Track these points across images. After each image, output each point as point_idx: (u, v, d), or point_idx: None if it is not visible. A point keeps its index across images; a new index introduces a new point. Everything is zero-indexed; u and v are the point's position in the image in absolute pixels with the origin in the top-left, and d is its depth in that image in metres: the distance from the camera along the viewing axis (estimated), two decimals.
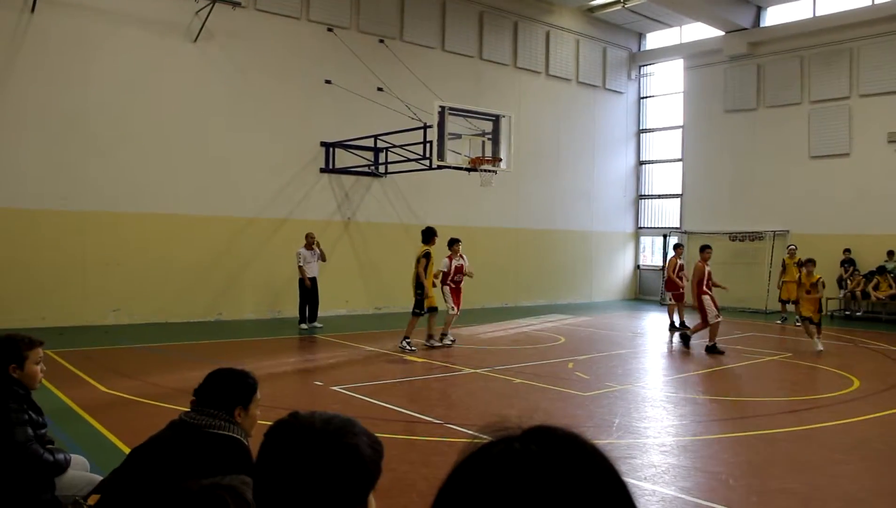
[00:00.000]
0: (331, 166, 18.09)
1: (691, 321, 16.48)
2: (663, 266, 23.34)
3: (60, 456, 4.22)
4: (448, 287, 13.35)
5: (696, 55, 24.17)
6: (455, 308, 13.40)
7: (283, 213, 17.49)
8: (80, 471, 4.45)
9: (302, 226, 16.83)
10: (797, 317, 15.99)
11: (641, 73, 26.14)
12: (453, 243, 13.44)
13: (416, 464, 6.22)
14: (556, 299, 22.97)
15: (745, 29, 22.26)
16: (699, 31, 23.89)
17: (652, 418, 8.42)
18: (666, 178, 25.69)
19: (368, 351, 12.81)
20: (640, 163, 26.24)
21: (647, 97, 26.26)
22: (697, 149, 24.35)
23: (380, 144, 17.56)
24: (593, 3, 23.33)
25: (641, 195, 26.25)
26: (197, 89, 16.29)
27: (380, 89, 17.94)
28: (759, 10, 22.44)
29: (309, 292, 15.59)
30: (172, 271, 15.87)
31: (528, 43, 22.46)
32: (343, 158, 18.15)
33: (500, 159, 14.95)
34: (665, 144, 25.73)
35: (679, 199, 25.06)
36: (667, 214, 25.56)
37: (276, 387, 9.18)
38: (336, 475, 1.41)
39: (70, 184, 14.78)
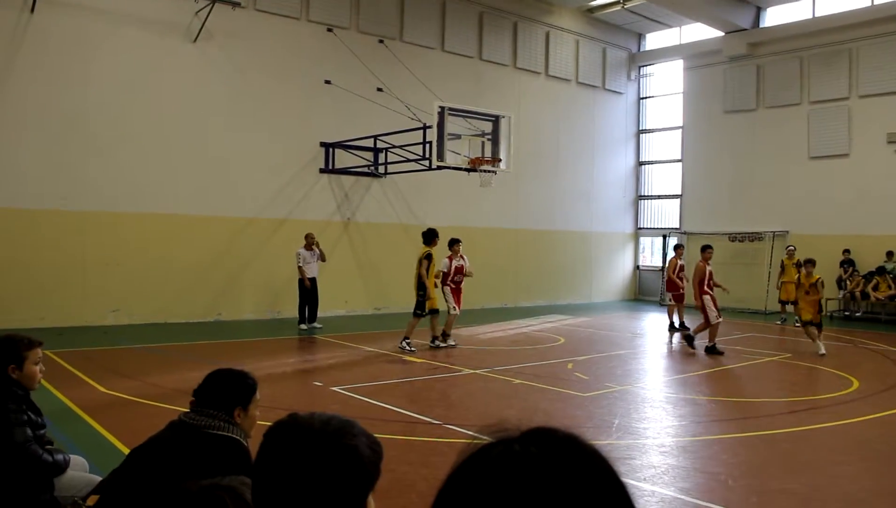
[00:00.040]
0: (330, 167, 18.09)
1: (691, 321, 16.48)
2: (663, 267, 23.38)
3: (59, 457, 4.22)
4: (448, 288, 13.33)
5: (695, 56, 24.18)
6: (456, 308, 13.39)
7: (283, 213, 17.49)
8: (79, 472, 4.45)
9: (301, 226, 16.84)
10: (796, 318, 15.99)
11: (641, 73, 26.15)
12: (453, 243, 13.43)
13: (415, 465, 6.22)
14: (555, 299, 22.97)
15: (745, 29, 22.27)
16: (699, 31, 23.89)
17: (651, 419, 8.41)
18: (665, 178, 25.69)
19: (368, 352, 12.81)
20: (640, 163, 26.25)
21: (646, 98, 26.26)
22: (697, 149, 24.36)
23: (379, 145, 17.56)
24: (593, 3, 23.34)
25: (641, 196, 26.26)
26: (197, 89, 16.29)
27: (379, 90, 17.94)
28: (758, 11, 22.45)
29: (308, 292, 15.59)
30: (172, 272, 15.86)
31: (528, 43, 22.47)
32: (343, 159, 18.15)
33: (500, 160, 14.95)
34: (665, 145, 25.74)
35: (679, 199, 25.06)
36: (666, 214, 25.57)
37: (275, 388, 9.17)
38: (335, 476, 1.41)
39: (70, 184, 14.77)
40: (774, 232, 21.77)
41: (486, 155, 14.79)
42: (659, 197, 25.87)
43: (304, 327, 15.48)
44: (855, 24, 20.35)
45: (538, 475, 0.88)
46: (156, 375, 10.00)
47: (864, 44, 20.43)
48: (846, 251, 20.18)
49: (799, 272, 14.65)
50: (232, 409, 3.04)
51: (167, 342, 13.22)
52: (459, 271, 13.39)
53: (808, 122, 21.51)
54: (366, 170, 18.38)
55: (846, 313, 20.11)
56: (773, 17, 22.46)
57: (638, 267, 26.18)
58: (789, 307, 17.95)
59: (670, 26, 24.75)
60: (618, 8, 23.27)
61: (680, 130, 25.04)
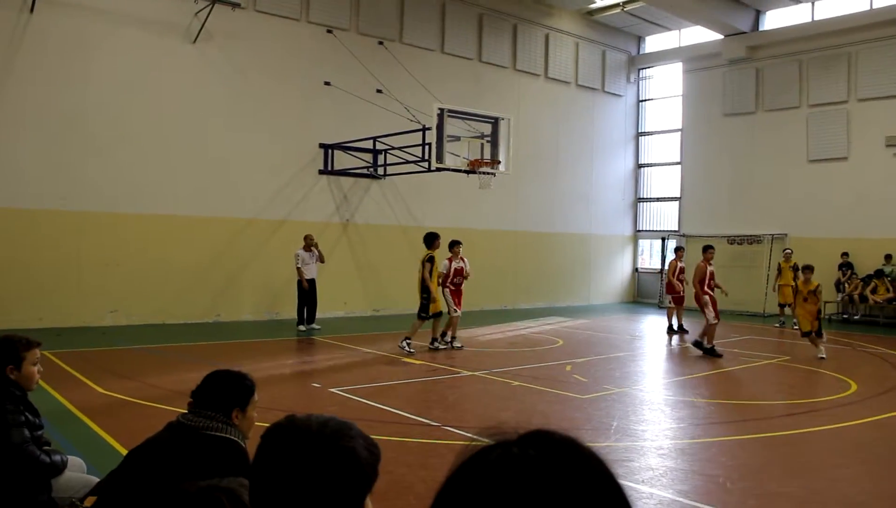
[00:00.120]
0: (330, 168, 18.09)
1: (689, 324, 16.52)
2: (661, 269, 23.41)
3: (57, 458, 4.21)
4: (448, 289, 13.32)
5: (694, 59, 24.20)
6: (458, 310, 13.38)
7: (282, 214, 17.49)
8: (77, 473, 4.44)
9: (301, 227, 16.84)
10: (794, 322, 16.00)
11: (640, 76, 26.18)
12: (454, 244, 13.43)
13: (413, 467, 6.22)
14: (554, 301, 22.97)
15: (744, 33, 22.29)
16: (698, 34, 23.92)
17: (650, 421, 8.41)
18: (664, 181, 25.71)
19: (366, 353, 12.81)
20: (639, 166, 26.27)
21: (645, 100, 26.29)
22: (696, 152, 24.38)
23: (379, 146, 17.56)
24: (592, 6, 23.36)
25: (640, 198, 26.28)
26: (196, 90, 16.29)
27: (379, 91, 17.95)
28: (758, 14, 22.47)
29: (307, 293, 15.59)
30: (171, 272, 15.86)
31: (528, 45, 22.48)
32: (342, 160, 18.15)
33: (499, 162, 14.94)
34: (664, 148, 25.76)
35: (677, 202, 25.08)
36: (665, 217, 25.59)
37: (273, 389, 9.17)
38: (332, 478, 1.40)
39: (69, 184, 14.77)
40: (773, 235, 21.78)
41: (485, 157, 14.79)
42: (658, 200, 25.89)
43: (302, 328, 15.47)
44: (854, 27, 20.38)
45: (536, 477, 0.88)
46: (154, 376, 9.99)
47: (863, 47, 20.46)
48: (845, 254, 20.20)
49: (796, 279, 14.64)
50: (230, 410, 3.04)
51: (166, 343, 13.21)
52: (459, 272, 13.38)
53: (807, 125, 21.54)
54: (365, 171, 18.39)
55: (844, 316, 20.13)
56: (772, 21, 22.49)
57: (637, 269, 26.19)
58: (787, 310, 17.96)
59: (670, 29, 24.78)
60: (617, 10, 23.29)
61: (679, 133, 25.07)
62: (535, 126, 22.22)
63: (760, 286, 21.25)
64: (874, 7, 20.33)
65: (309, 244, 15.71)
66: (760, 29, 22.52)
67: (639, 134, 26.26)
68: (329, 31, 18.14)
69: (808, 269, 13.25)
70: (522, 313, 20.67)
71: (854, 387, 10.40)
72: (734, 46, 22.51)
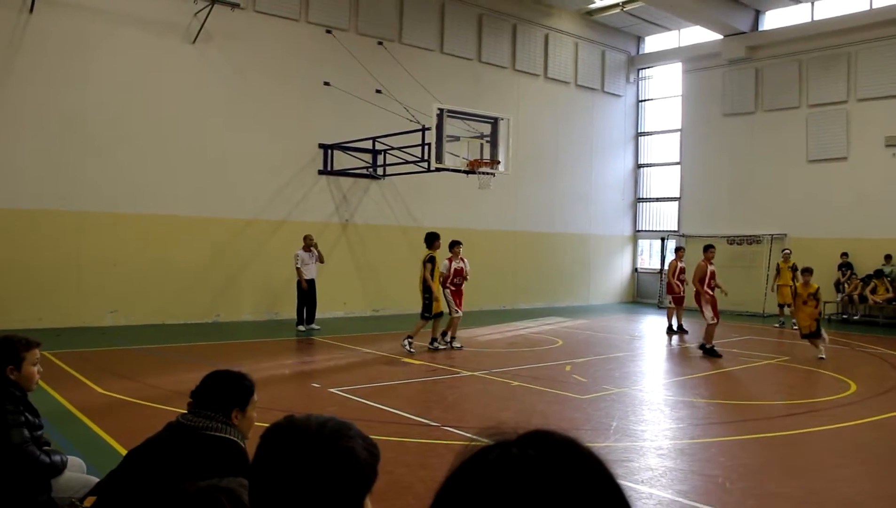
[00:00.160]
0: (329, 168, 18.09)
1: (690, 324, 16.52)
2: (661, 269, 23.41)
3: (57, 458, 4.21)
4: (448, 289, 13.31)
5: (694, 59, 24.21)
6: (458, 311, 13.37)
7: (282, 214, 17.49)
8: (77, 473, 4.44)
9: (300, 228, 16.84)
10: (793, 322, 16.00)
11: (640, 76, 26.18)
12: (454, 245, 13.43)
13: (412, 467, 6.22)
14: (553, 301, 22.98)
15: (744, 33, 22.30)
16: (698, 34, 23.92)
17: (649, 421, 8.42)
18: (664, 181, 25.72)
19: (366, 353, 12.81)
20: (639, 166, 26.28)
21: (645, 100, 26.30)
22: (696, 152, 24.39)
23: (378, 146, 17.56)
24: (592, 6, 23.36)
25: (639, 198, 26.29)
26: (196, 90, 16.29)
27: (378, 91, 17.94)
28: (757, 14, 22.48)
29: (307, 294, 15.59)
30: (170, 273, 15.86)
31: (527, 46, 22.49)
32: (341, 160, 18.15)
33: (499, 162, 14.94)
34: (663, 148, 25.76)
35: (677, 202, 25.09)
36: (665, 217, 25.59)
37: (273, 389, 9.17)
38: (331, 478, 1.41)
39: (68, 184, 14.77)
40: (773, 235, 21.79)
41: (484, 157, 14.79)
42: (657, 200, 25.90)
43: (302, 328, 15.47)
44: (854, 27, 20.38)
45: (536, 478, 0.88)
46: (153, 376, 9.99)
47: (862, 47, 20.47)
48: (844, 255, 20.21)
49: (794, 279, 14.63)
50: (230, 410, 3.04)
51: (165, 344, 13.21)
52: (459, 273, 13.38)
53: (807, 125, 21.55)
54: (364, 172, 18.39)
55: (844, 316, 20.14)
56: (771, 21, 22.50)
57: (636, 270, 26.20)
58: (787, 310, 17.96)
59: (669, 29, 24.78)
60: (617, 11, 23.29)
61: (678, 133, 25.08)
62: (535, 126, 22.22)
63: (760, 287, 21.25)
64: (874, 7, 20.34)
65: (308, 245, 15.71)
66: (760, 29, 22.52)
67: (638, 134, 26.27)
68: (328, 32, 18.14)
69: (808, 271, 13.21)
70: (522, 313, 20.67)
71: (853, 387, 10.40)
72: (734, 46, 22.52)
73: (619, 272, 25.70)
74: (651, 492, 5.79)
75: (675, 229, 24.75)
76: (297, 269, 15.50)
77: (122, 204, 15.38)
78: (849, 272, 20.13)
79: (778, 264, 18.72)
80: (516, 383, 10.23)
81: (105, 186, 15.15)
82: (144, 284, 15.54)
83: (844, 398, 9.70)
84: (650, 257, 26.26)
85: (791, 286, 15.84)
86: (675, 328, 16.49)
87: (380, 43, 18.90)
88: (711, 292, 13.61)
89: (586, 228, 24.34)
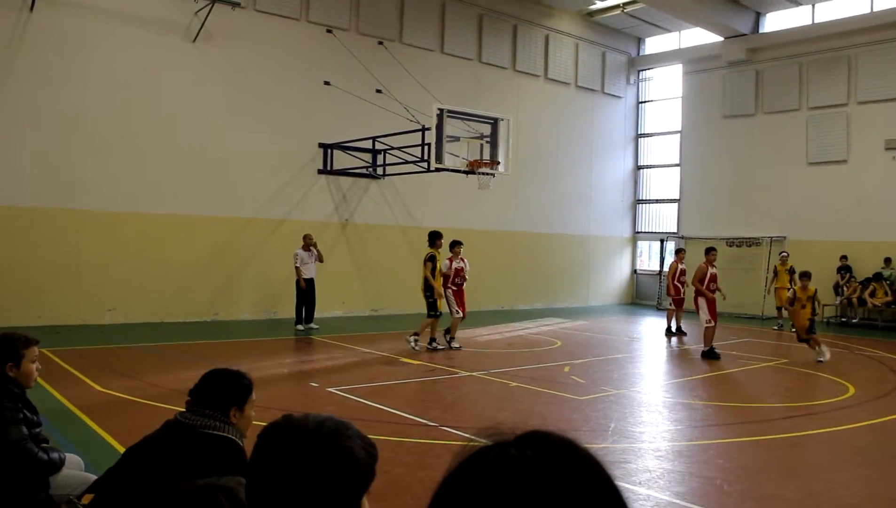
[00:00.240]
0: (329, 168, 18.09)
1: (689, 326, 16.52)
2: (660, 271, 23.43)
3: (55, 455, 4.21)
4: (450, 290, 13.31)
5: (694, 60, 24.22)
6: (459, 312, 13.37)
7: (281, 214, 17.49)
8: (75, 470, 4.44)
9: (300, 227, 16.84)
10: (791, 326, 16.00)
11: (640, 77, 26.19)
12: (454, 245, 13.44)
13: (411, 467, 6.22)
14: (553, 302, 22.98)
15: (744, 35, 22.30)
16: (698, 36, 23.93)
17: (647, 422, 8.42)
18: (664, 182, 25.72)
19: (364, 353, 12.81)
20: (638, 167, 26.28)
21: (645, 102, 26.31)
22: (695, 154, 24.39)
23: (378, 146, 17.56)
24: (593, 7, 23.37)
25: (639, 200, 26.29)
26: (196, 89, 16.29)
27: (378, 91, 17.94)
28: (758, 17, 22.49)
29: (306, 293, 15.58)
30: (170, 271, 15.85)
31: (528, 46, 22.49)
32: (341, 160, 18.15)
33: (499, 162, 14.95)
34: (663, 149, 25.77)
35: (676, 204, 25.09)
36: (664, 218, 25.60)
37: (271, 388, 9.17)
38: (329, 477, 1.41)
39: (68, 183, 14.76)
40: (772, 237, 21.79)
41: (484, 158, 14.79)
42: (657, 201, 25.90)
43: (301, 327, 15.47)
44: (854, 30, 20.39)
45: (533, 478, 0.88)
46: (152, 374, 9.99)
47: (863, 50, 20.47)
48: (843, 257, 20.22)
49: (792, 282, 14.61)
50: (228, 409, 3.04)
51: (164, 342, 13.21)
52: (459, 272, 13.38)
53: (807, 127, 21.56)
54: (364, 171, 18.39)
55: (843, 319, 20.13)
56: (772, 23, 22.50)
57: (635, 271, 26.20)
58: (785, 313, 17.95)
59: (670, 31, 24.79)
60: (618, 12, 23.30)
61: (678, 135, 25.09)
62: (535, 127, 22.22)
63: (759, 289, 21.25)
64: (874, 10, 20.34)
65: (308, 244, 15.71)
66: (760, 31, 22.53)
67: (638, 135, 26.27)
68: (329, 31, 18.14)
69: (806, 276, 13.13)
70: (521, 313, 20.67)
71: (852, 390, 10.40)
72: (734, 48, 22.52)
73: (618, 274, 25.71)
74: (649, 494, 5.80)
75: (675, 230, 24.75)
76: (296, 268, 15.50)
77: (122, 203, 15.38)
78: (848, 275, 20.13)
79: (775, 267, 18.73)
80: (515, 383, 10.24)
81: (105, 184, 15.15)
82: (144, 282, 15.54)
83: (843, 401, 9.70)
84: (649, 258, 26.26)
85: (789, 289, 15.83)
86: (673, 329, 16.49)
87: (380, 43, 18.90)
88: (712, 294, 13.58)
89: (586, 229, 24.35)
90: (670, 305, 16.82)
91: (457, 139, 14.82)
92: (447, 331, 13.39)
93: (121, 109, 15.30)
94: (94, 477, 4.03)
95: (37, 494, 4.09)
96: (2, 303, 13.71)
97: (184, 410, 3.09)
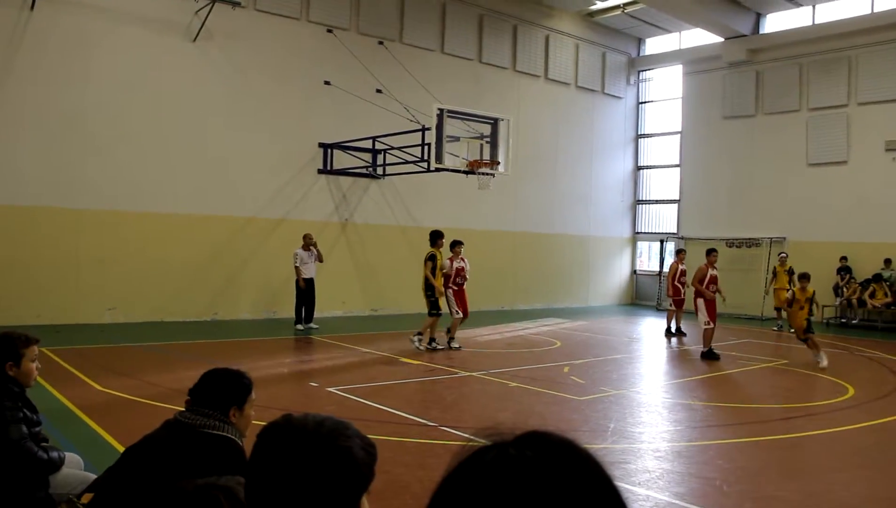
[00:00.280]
0: (329, 167, 18.09)
1: (688, 327, 16.51)
2: (660, 271, 23.43)
3: (55, 454, 4.21)
4: (451, 290, 13.31)
5: (695, 61, 24.22)
6: (459, 313, 13.37)
7: (281, 213, 17.49)
8: (74, 469, 4.44)
9: (300, 227, 16.83)
10: (790, 328, 16.00)
11: (640, 78, 26.19)
12: (455, 244, 13.45)
13: (410, 467, 6.22)
14: (552, 302, 22.98)
15: (745, 35, 22.30)
16: (698, 37, 23.93)
17: (647, 423, 8.42)
18: (664, 183, 25.73)
19: (364, 353, 12.81)
20: (638, 168, 26.28)
21: (645, 102, 26.30)
22: (695, 155, 24.39)
23: (378, 146, 17.56)
24: (593, 7, 23.37)
25: (639, 200, 26.29)
26: (196, 89, 16.29)
27: (379, 91, 17.94)
28: (758, 17, 22.49)
29: (305, 293, 15.58)
30: (169, 271, 15.85)
31: (528, 47, 22.49)
32: (341, 160, 18.15)
33: (499, 163, 14.95)
34: (663, 150, 25.77)
35: (676, 204, 25.09)
36: (664, 219, 25.60)
37: (271, 388, 9.16)
38: (328, 477, 1.41)
39: (68, 182, 14.76)
40: (772, 238, 21.79)
41: (484, 158, 14.79)
42: (657, 202, 25.91)
43: (300, 327, 15.47)
44: (854, 31, 20.38)
45: (532, 479, 0.88)
46: (152, 374, 9.99)
47: (863, 51, 20.47)
48: (843, 258, 20.21)
49: (791, 283, 14.59)
50: (227, 408, 3.04)
51: (164, 341, 13.22)
52: (460, 272, 13.38)
53: (807, 128, 21.55)
54: (364, 171, 18.39)
55: (842, 320, 20.12)
56: (772, 24, 22.50)
57: (635, 271, 26.20)
58: (784, 314, 17.95)
59: (670, 31, 24.79)
60: (618, 12, 23.30)
61: (678, 135, 25.08)
62: (535, 127, 22.22)
63: (759, 290, 21.23)
64: (875, 11, 20.34)
65: (308, 244, 15.71)
66: (761, 32, 22.53)
67: (638, 136, 26.27)
68: (329, 31, 18.14)
69: (805, 278, 12.97)
70: (521, 314, 20.67)
71: (851, 391, 10.40)
72: (734, 49, 22.52)
73: (618, 274, 25.71)
74: (648, 494, 5.80)
75: (675, 231, 24.75)
76: (296, 268, 15.49)
77: (121, 202, 15.38)
78: (848, 276, 20.13)
79: (774, 268, 18.75)
80: (514, 384, 10.24)
81: (105, 183, 15.15)
82: (143, 281, 15.54)
83: (842, 402, 9.71)
84: (649, 259, 26.26)
85: (788, 290, 15.82)
86: (673, 330, 16.49)
87: (380, 43, 18.90)
88: (711, 296, 13.57)
89: (586, 229, 24.35)
90: (671, 305, 16.82)
91: (457, 139, 14.83)
92: (447, 330, 13.39)
93: (121, 108, 15.30)
94: (94, 476, 4.03)
95: (36, 493, 4.09)
96: (2, 302, 13.71)
97: (183, 409, 3.09)
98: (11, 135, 14.17)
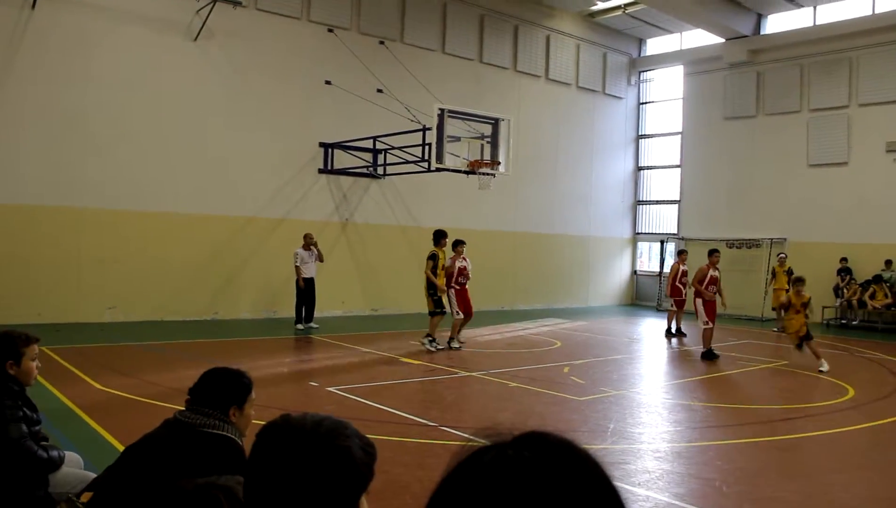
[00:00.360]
0: (329, 167, 18.09)
1: (688, 328, 16.51)
2: (660, 272, 23.43)
3: (54, 453, 4.21)
4: (453, 289, 13.31)
5: (695, 62, 24.21)
6: (460, 313, 13.37)
7: (281, 213, 17.49)
8: (74, 468, 4.44)
9: (300, 226, 16.83)
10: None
11: (641, 78, 26.18)
12: (457, 244, 13.45)
13: (410, 466, 6.22)
14: (553, 303, 22.98)
15: (746, 36, 22.30)
16: (699, 37, 23.93)
17: (646, 423, 8.42)
18: (664, 184, 25.72)
19: (364, 352, 12.81)
20: (639, 168, 26.28)
21: (646, 103, 26.30)
22: (696, 155, 24.39)
23: (379, 146, 17.56)
24: (594, 8, 23.37)
25: (639, 201, 26.29)
26: (197, 88, 16.29)
27: (379, 91, 17.93)
28: (759, 18, 22.48)
29: (305, 292, 15.58)
30: (170, 270, 15.86)
31: (529, 47, 22.49)
32: (342, 159, 18.15)
33: (499, 163, 14.95)
34: (664, 150, 25.77)
35: (677, 205, 25.09)
36: (664, 220, 25.60)
37: (271, 387, 9.17)
38: (327, 477, 1.41)
39: (69, 181, 14.77)
40: (772, 239, 21.78)
41: (485, 158, 14.79)
42: (657, 202, 25.90)
43: (300, 327, 15.47)
44: (856, 32, 20.38)
45: (531, 479, 0.88)
46: (152, 373, 9.99)
47: (864, 52, 20.47)
48: (843, 260, 20.21)
49: (790, 284, 14.55)
50: (227, 408, 3.04)
51: (164, 340, 13.22)
52: (463, 272, 13.38)
53: (808, 129, 21.55)
54: (365, 171, 18.39)
55: (843, 321, 20.11)
56: (773, 25, 22.50)
57: (635, 272, 26.19)
58: (783, 314, 17.95)
59: (671, 32, 24.79)
60: (619, 13, 23.30)
61: (679, 136, 25.08)
62: (536, 127, 22.22)
63: (759, 291, 21.26)
64: (876, 12, 20.34)
65: (308, 243, 15.71)
66: (762, 33, 22.52)
67: (639, 137, 26.26)
68: (330, 31, 18.14)
69: (800, 281, 12.77)
70: (521, 314, 20.67)
71: (851, 392, 10.40)
72: (735, 50, 22.52)
73: (618, 275, 25.71)
74: (647, 495, 5.80)
75: (675, 232, 24.75)
76: (296, 267, 15.50)
77: (122, 201, 15.38)
78: (848, 277, 20.13)
79: (773, 268, 18.75)
80: (514, 384, 10.24)
81: (105, 183, 15.15)
82: (144, 281, 15.54)
83: (842, 403, 9.71)
84: (649, 259, 26.26)
85: (787, 290, 15.81)
86: (673, 331, 16.49)
87: (381, 42, 18.90)
88: (711, 297, 13.58)
89: (586, 229, 24.34)
90: (671, 306, 16.82)
91: (457, 139, 14.83)
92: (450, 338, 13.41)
93: (121, 107, 15.30)
94: (94, 476, 4.03)
95: (36, 492, 4.09)
96: (2, 301, 13.71)
97: (183, 408, 3.10)
98: (12, 134, 14.18)
